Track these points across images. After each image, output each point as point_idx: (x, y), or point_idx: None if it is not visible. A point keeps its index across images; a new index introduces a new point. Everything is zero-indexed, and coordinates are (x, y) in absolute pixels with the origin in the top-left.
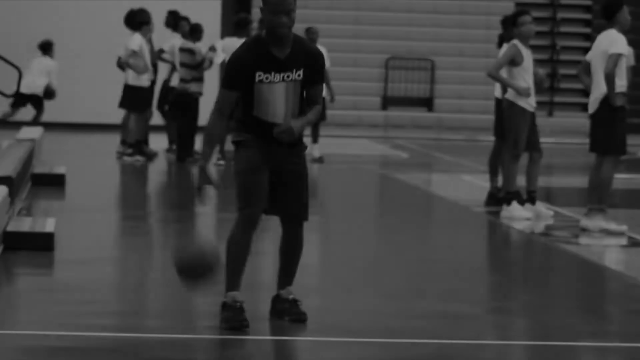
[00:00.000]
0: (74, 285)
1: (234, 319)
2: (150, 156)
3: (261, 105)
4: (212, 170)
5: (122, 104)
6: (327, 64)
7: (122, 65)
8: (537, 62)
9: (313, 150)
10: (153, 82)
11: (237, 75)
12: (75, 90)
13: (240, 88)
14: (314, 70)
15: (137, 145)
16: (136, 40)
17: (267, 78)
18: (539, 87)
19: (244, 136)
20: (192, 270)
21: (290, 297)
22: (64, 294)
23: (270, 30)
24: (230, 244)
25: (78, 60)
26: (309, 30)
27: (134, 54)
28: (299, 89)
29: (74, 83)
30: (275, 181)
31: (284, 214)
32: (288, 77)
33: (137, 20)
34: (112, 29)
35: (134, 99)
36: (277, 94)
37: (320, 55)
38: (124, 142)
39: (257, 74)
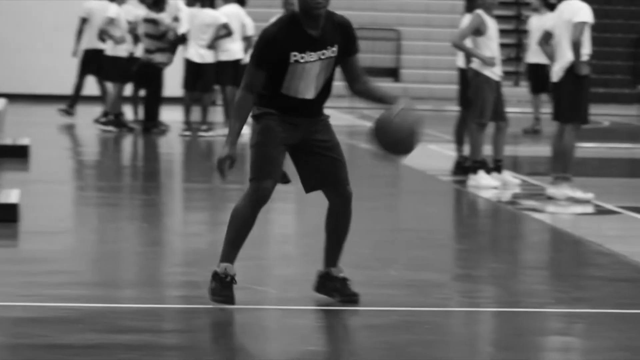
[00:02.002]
0: (39, 256)
1: (220, 292)
2: (130, 128)
3: (292, 83)
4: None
5: (101, 73)
6: None
7: (102, 35)
8: (503, 32)
9: None
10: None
11: (270, 54)
12: (37, 61)
13: (270, 67)
14: (349, 42)
15: (116, 117)
16: (113, 9)
17: (302, 58)
18: None
19: (266, 110)
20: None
21: (341, 275)
22: (29, 265)
23: (305, 10)
24: (235, 215)
25: (39, 32)
26: (286, 2)
27: (112, 22)
28: (332, 65)
29: (35, 54)
30: (308, 155)
31: (328, 182)
32: (324, 54)
33: None
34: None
35: (111, 69)
36: (311, 72)
37: (350, 25)
38: (117, 115)
39: (293, 54)
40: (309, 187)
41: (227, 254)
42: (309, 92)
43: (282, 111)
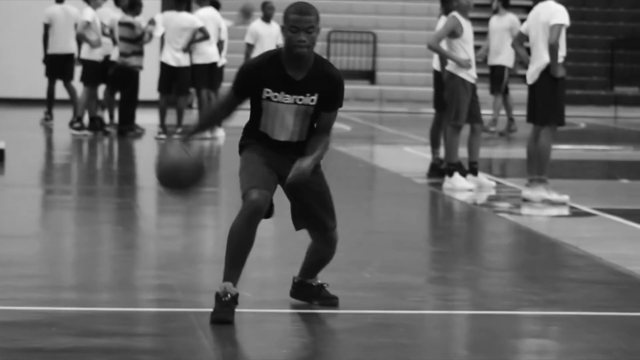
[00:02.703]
0: (13, 260)
1: (217, 312)
2: (105, 131)
3: (268, 122)
4: (190, 145)
5: (66, 77)
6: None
7: (79, 39)
8: (479, 35)
9: None
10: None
11: (245, 84)
12: (9, 65)
13: (244, 97)
14: (331, 96)
15: (91, 120)
16: (89, 12)
17: (275, 97)
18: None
19: (249, 140)
20: (174, 178)
21: (317, 282)
22: (3, 269)
23: (287, 48)
24: (231, 233)
25: (13, 35)
26: (265, 6)
27: (88, 25)
28: (310, 114)
29: (8, 58)
30: (294, 196)
31: (313, 227)
32: (300, 100)
33: None
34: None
35: (86, 73)
36: (285, 114)
37: (340, 82)
38: (92, 119)
39: (265, 90)
40: (296, 227)
41: (226, 273)
42: (283, 135)
43: (264, 146)
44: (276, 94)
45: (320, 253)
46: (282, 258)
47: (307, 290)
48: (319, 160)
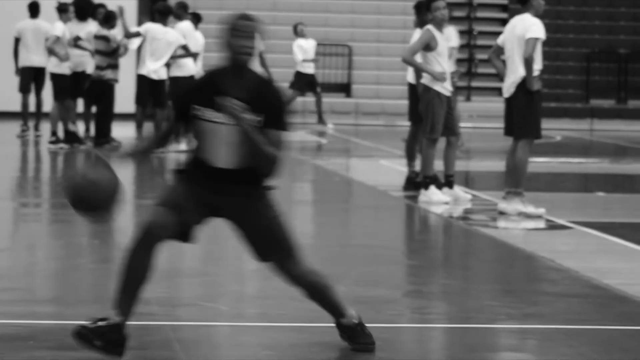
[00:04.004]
0: None
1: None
2: (82, 144)
3: (203, 144)
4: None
5: (39, 91)
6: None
7: (49, 53)
8: (454, 48)
9: None
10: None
11: (178, 102)
12: None
13: (182, 116)
14: (272, 116)
15: (67, 134)
16: (59, 26)
17: (205, 114)
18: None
19: (186, 168)
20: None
21: (351, 322)
22: None
23: (228, 56)
24: (125, 257)
25: None
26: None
27: (58, 40)
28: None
29: None
30: (239, 230)
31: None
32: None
33: (58, 8)
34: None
35: (55, 87)
36: (221, 135)
37: (282, 100)
38: (66, 132)
39: (195, 107)
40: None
41: (115, 300)
42: (220, 160)
43: (200, 174)
44: (208, 111)
45: (305, 293)
46: (261, 271)
47: (344, 332)
48: (260, 148)
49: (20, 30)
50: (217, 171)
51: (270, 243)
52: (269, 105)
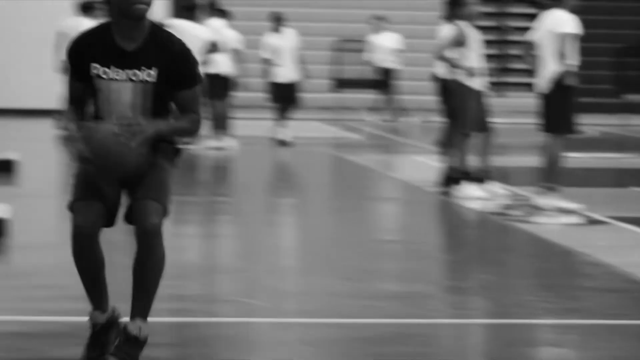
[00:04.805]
0: (29, 270)
1: (86, 346)
2: None
3: (103, 105)
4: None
5: None
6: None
7: None
8: (486, 43)
9: (278, 133)
10: None
11: (74, 63)
12: (24, 76)
13: (81, 78)
14: (176, 72)
15: None
16: (86, 24)
17: (104, 72)
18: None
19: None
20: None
21: (134, 333)
22: (19, 279)
23: (122, 10)
24: (73, 258)
25: (25, 47)
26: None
27: None
28: (150, 93)
29: (17, 69)
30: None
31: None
32: (135, 75)
33: (84, 6)
34: (53, 14)
35: None
36: (122, 95)
37: (185, 53)
38: None
39: (93, 65)
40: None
41: (90, 301)
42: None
43: None
44: (106, 69)
45: (140, 264)
46: (300, 268)
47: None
48: (170, 132)
49: (66, 27)
50: None
51: (151, 185)
52: (165, 61)
